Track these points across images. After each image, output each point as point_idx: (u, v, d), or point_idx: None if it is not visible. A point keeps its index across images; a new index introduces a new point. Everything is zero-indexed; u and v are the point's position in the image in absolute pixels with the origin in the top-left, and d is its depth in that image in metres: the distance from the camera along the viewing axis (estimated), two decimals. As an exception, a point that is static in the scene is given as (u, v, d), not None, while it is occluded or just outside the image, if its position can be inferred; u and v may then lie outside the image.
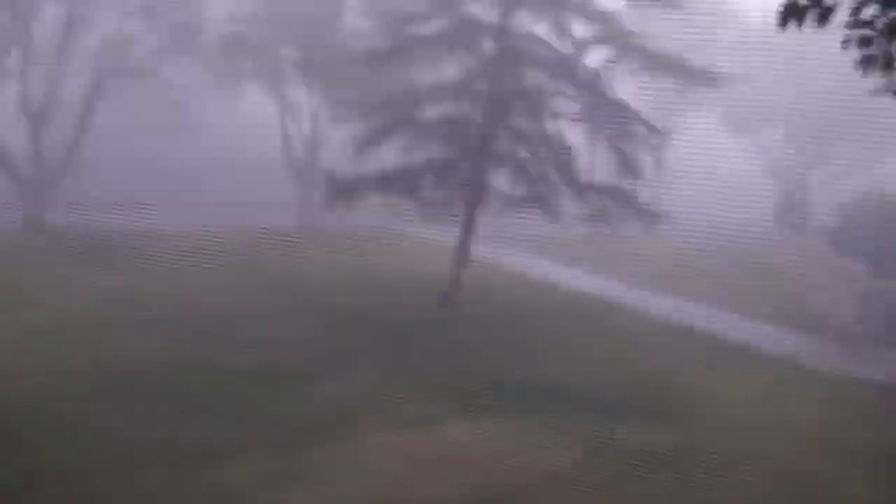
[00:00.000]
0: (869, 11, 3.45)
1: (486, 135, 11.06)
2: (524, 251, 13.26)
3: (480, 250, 11.73)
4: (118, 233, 11.98)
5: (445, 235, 11.78)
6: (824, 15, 3.25)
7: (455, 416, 7.30)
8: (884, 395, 8.67)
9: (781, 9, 3.24)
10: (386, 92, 11.58)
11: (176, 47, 14.05)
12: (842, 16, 3.53)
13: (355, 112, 11.99)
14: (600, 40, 10.96)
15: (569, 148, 11.16)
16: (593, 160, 11.85)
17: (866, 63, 3.63)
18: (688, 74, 10.25)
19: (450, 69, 11.53)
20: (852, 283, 10.76)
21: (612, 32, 10.68)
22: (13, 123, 14.57)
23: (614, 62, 11.05)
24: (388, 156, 11.65)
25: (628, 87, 11.25)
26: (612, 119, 11.01)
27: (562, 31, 10.92)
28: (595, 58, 11.20)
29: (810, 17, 3.33)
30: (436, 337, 9.93)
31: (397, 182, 11.48)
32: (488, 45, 11.05)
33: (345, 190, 11.37)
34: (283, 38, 13.79)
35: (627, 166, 11.14)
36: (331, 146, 14.63)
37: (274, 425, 6.91)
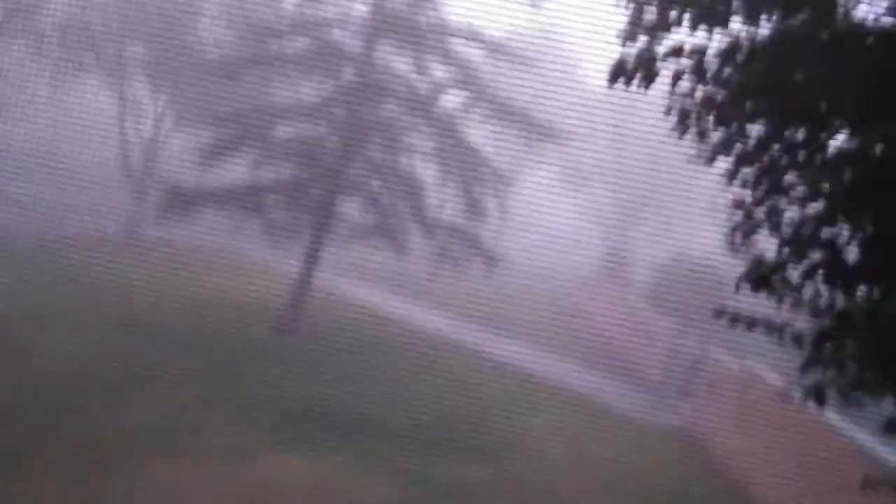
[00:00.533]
0: (686, 83, 3.83)
1: (340, 161, 11.00)
2: (366, 283, 13.20)
3: (322, 278, 11.52)
4: None
5: (287, 260, 11.46)
6: (648, 78, 3.57)
7: (267, 449, 6.99)
8: (674, 439, 9.54)
9: (611, 68, 3.53)
10: (237, 104, 11.19)
11: (7, 26, 12.71)
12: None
13: (203, 121, 11.44)
14: (456, 84, 11.36)
15: (419, 183, 11.37)
16: (441, 199, 12.16)
17: (681, 130, 4.01)
18: (531, 128, 10.88)
19: (307, 90, 11.39)
20: (661, 337, 11.78)
21: (467, 78, 11.12)
22: None
23: (468, 107, 11.49)
24: (234, 171, 11.20)
25: (479, 133, 11.73)
26: (462, 161, 11.38)
27: (421, 70, 11.21)
28: (450, 100, 11.58)
29: (636, 80, 3.64)
30: (261, 365, 9.52)
31: (241, 199, 11.06)
32: (348, 73, 11.07)
33: (183, 201, 10.75)
34: (131, 33, 12.93)
35: (473, 208, 11.54)
36: (172, 154, 13.81)
37: (55, 446, 6.21)
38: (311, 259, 11.19)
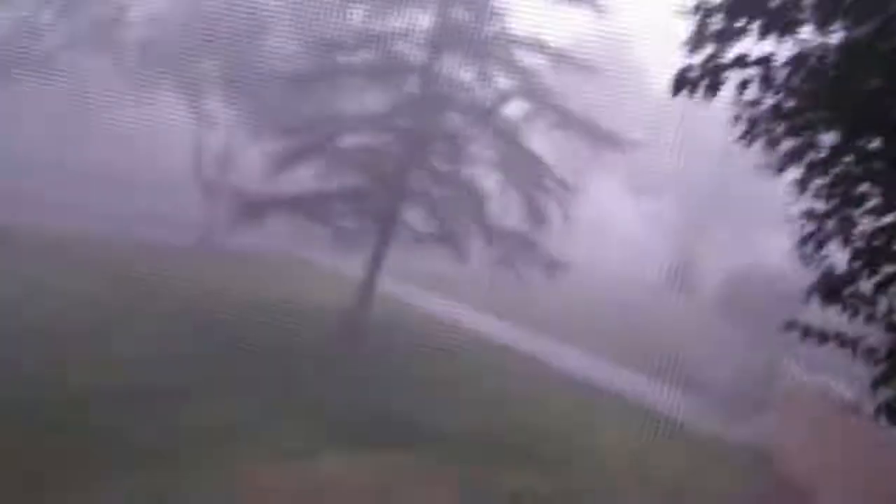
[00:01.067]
0: (753, 92, 3.78)
1: (403, 170, 11.18)
2: (429, 290, 13.34)
3: (386, 284, 11.72)
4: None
5: (352, 266, 11.71)
6: (713, 88, 3.54)
7: (334, 450, 7.16)
8: (745, 452, 9.22)
9: (674, 77, 3.51)
10: (306, 115, 11.55)
11: (92, 42, 13.49)
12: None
13: (273, 132, 11.84)
14: (520, 94, 11.39)
15: (482, 192, 11.44)
16: (504, 206, 12.19)
17: (749, 139, 3.95)
18: (596, 136, 10.79)
19: (373, 101, 11.64)
20: (732, 349, 11.44)
21: (531, 88, 11.13)
22: None
23: (531, 116, 11.49)
24: (303, 180, 11.54)
25: (542, 142, 11.71)
26: (525, 169, 11.40)
27: (485, 80, 11.29)
28: (514, 110, 11.61)
29: (700, 90, 3.61)
30: (326, 369, 9.75)
31: (309, 207, 11.38)
32: (413, 83, 11.25)
33: (254, 210, 11.15)
34: (205, 50, 13.52)
35: (536, 216, 11.52)
36: (243, 165, 14.33)
37: (137, 449, 6.52)
38: (376, 265, 11.39)
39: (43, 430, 6.42)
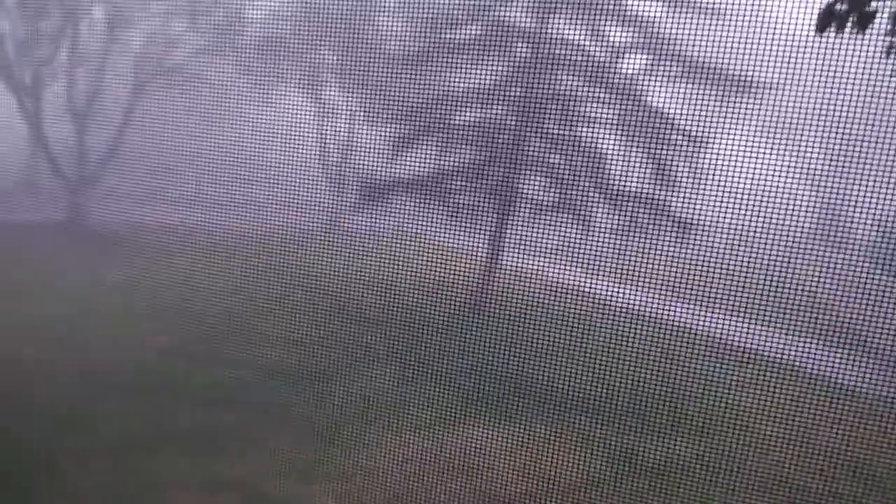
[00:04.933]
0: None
1: (520, 140, 11.05)
2: (554, 259, 13.16)
3: (510, 256, 11.69)
4: (147, 228, 12.26)
5: (475, 240, 11.78)
6: (864, 20, 3.18)
7: (475, 421, 7.31)
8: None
9: (820, 13, 3.18)
10: (420, 96, 11.64)
11: (216, 47, 14.32)
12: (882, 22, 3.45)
13: (390, 115, 12.08)
14: (636, 46, 10.87)
15: (602, 155, 11.08)
16: (628, 168, 11.74)
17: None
18: (725, 83, 10.08)
19: (484, 74, 11.54)
20: (891, 303, 10.43)
21: (647, 38, 10.59)
22: (59, 121, 15.04)
23: (650, 69, 10.95)
24: (422, 159, 11.71)
25: (665, 95, 11.12)
26: (647, 126, 10.90)
27: (597, 36, 10.87)
28: (631, 64, 11.11)
29: (850, 23, 3.26)
30: (461, 342, 9.92)
31: (429, 186, 11.55)
32: (522, 51, 11.04)
33: (377, 192, 11.48)
34: (320, 42, 13.95)
35: (662, 175, 11.02)
36: (365, 149, 14.75)
37: (290, 422, 6.99)
38: (498, 238, 11.40)
39: (216, 407, 7.03)
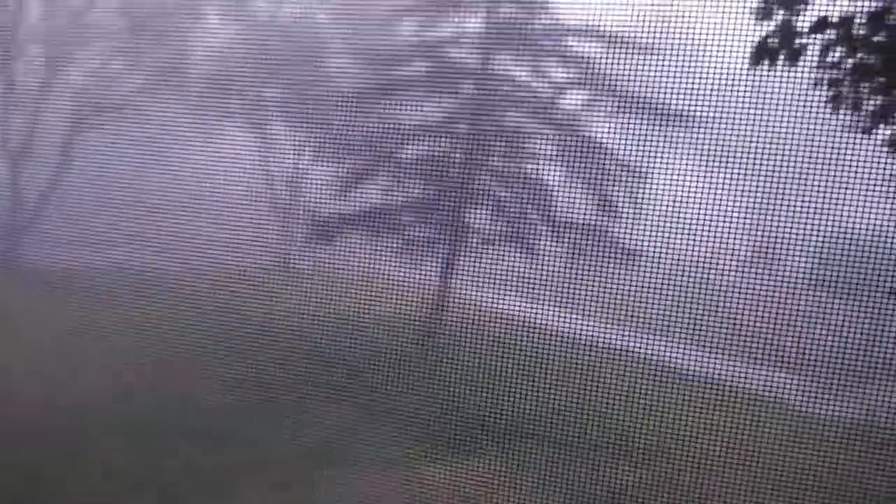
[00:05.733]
0: (836, 54, 3.65)
1: (466, 174, 11.25)
2: (503, 289, 13.31)
3: (460, 288, 11.77)
4: (89, 270, 11.88)
5: (425, 274, 11.82)
6: (794, 55, 3.43)
7: (428, 457, 7.27)
8: (852, 429, 8.80)
9: (754, 49, 3.42)
10: (367, 132, 11.77)
11: (159, 85, 14.16)
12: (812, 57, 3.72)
13: (338, 151, 12.14)
14: (577, 83, 11.28)
15: (547, 187, 11.37)
16: (571, 199, 12.06)
17: (835, 102, 3.81)
18: (662, 116, 10.54)
19: (430, 110, 11.76)
20: (829, 322, 10.92)
21: (587, 76, 11.01)
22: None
23: (590, 105, 11.35)
24: (370, 195, 11.78)
25: (605, 129, 11.53)
26: (588, 159, 11.25)
27: (539, 74, 11.24)
28: (572, 100, 11.50)
29: (781, 57, 3.50)
30: (415, 378, 9.88)
31: (377, 221, 11.60)
32: (468, 88, 11.32)
33: (326, 228, 11.45)
34: (264, 79, 13.97)
35: (604, 205, 11.36)
36: (312, 186, 14.71)
37: (258, 462, 6.83)
38: (448, 271, 11.49)
39: (182, 441, 6.79)
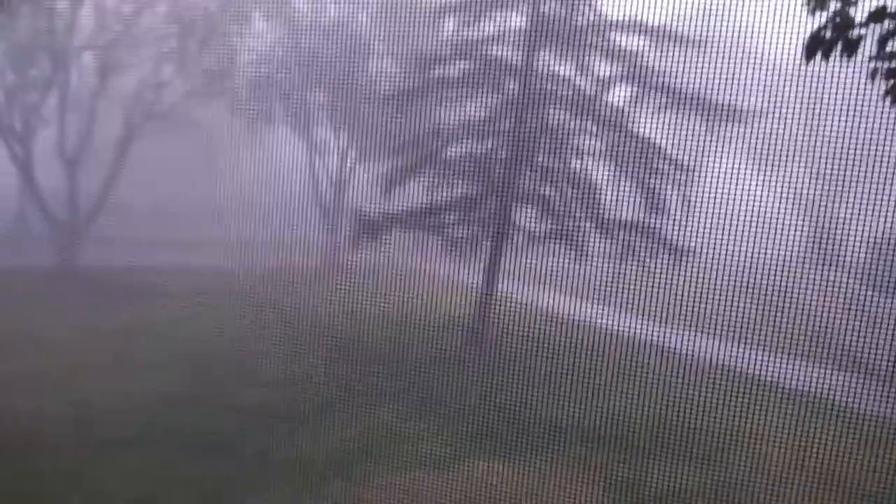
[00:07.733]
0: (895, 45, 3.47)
1: (511, 172, 11.17)
2: (550, 288, 13.18)
3: (506, 287, 11.71)
4: (143, 271, 12.23)
5: (471, 273, 11.81)
6: (850, 46, 3.27)
7: (481, 456, 7.25)
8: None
9: (807, 42, 3.28)
10: (411, 131, 11.81)
11: (208, 91, 14.48)
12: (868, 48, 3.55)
13: (382, 152, 12.22)
14: (623, 78, 11.08)
15: (593, 184, 11.21)
16: (618, 196, 11.87)
17: (893, 94, 3.63)
18: (712, 112, 10.28)
19: (474, 109, 11.71)
20: (888, 322, 10.49)
21: (634, 70, 10.81)
22: (49, 167, 15.08)
23: (637, 100, 11.14)
24: (415, 194, 11.80)
25: (652, 125, 11.31)
26: (636, 156, 11.05)
27: (584, 70, 11.08)
28: (618, 95, 11.30)
29: (836, 50, 3.35)
30: (462, 375, 9.88)
31: (423, 220, 11.62)
32: (511, 85, 11.23)
33: (372, 228, 11.52)
34: (311, 82, 14.15)
35: (652, 203, 11.14)
36: (358, 186, 14.85)
37: (293, 462, 6.91)
38: (493, 270, 11.43)
39: (214, 451, 6.94)
